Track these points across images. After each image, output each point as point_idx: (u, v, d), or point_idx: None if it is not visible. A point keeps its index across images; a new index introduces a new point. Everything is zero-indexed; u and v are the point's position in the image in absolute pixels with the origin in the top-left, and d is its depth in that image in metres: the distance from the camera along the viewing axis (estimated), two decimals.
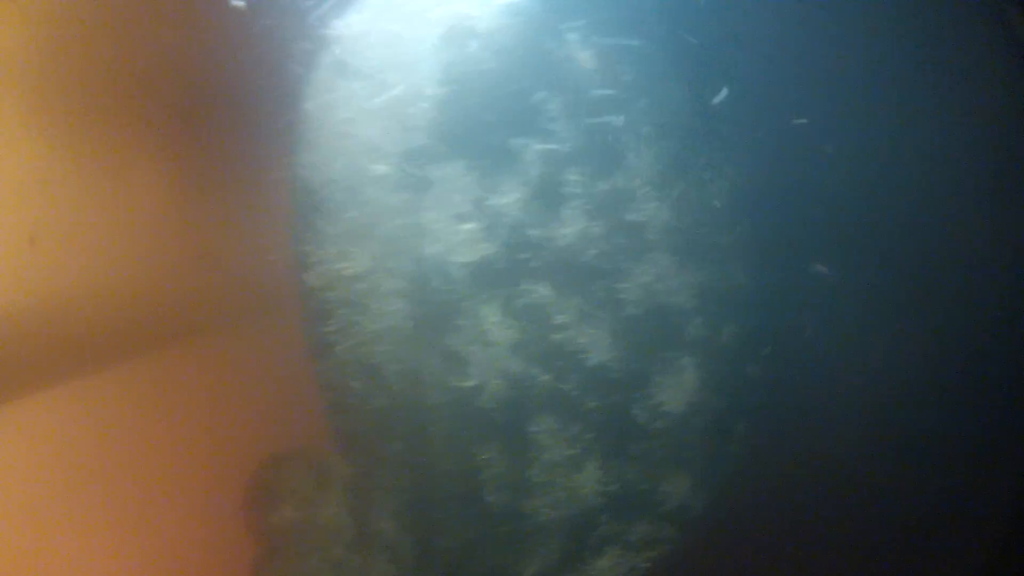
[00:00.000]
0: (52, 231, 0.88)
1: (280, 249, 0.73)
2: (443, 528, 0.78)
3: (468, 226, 0.69)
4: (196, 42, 0.77)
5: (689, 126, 0.74)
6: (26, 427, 0.88)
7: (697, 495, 0.87)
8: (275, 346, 0.90)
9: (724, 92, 0.75)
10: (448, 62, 0.67)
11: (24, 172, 0.87)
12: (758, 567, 0.93)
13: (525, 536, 0.79)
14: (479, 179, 0.68)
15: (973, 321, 0.77)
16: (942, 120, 0.74)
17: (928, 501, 0.81)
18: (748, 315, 0.83)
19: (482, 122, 0.67)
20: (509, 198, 0.69)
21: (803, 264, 0.82)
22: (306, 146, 0.68)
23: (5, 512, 0.86)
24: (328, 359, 0.73)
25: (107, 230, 0.89)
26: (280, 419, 0.91)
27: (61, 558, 0.90)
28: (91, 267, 0.90)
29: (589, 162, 0.71)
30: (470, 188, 0.68)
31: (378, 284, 0.69)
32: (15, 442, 0.88)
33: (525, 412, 0.74)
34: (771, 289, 0.83)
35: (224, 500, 0.89)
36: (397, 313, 0.70)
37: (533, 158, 0.69)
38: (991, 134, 0.73)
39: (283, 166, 0.68)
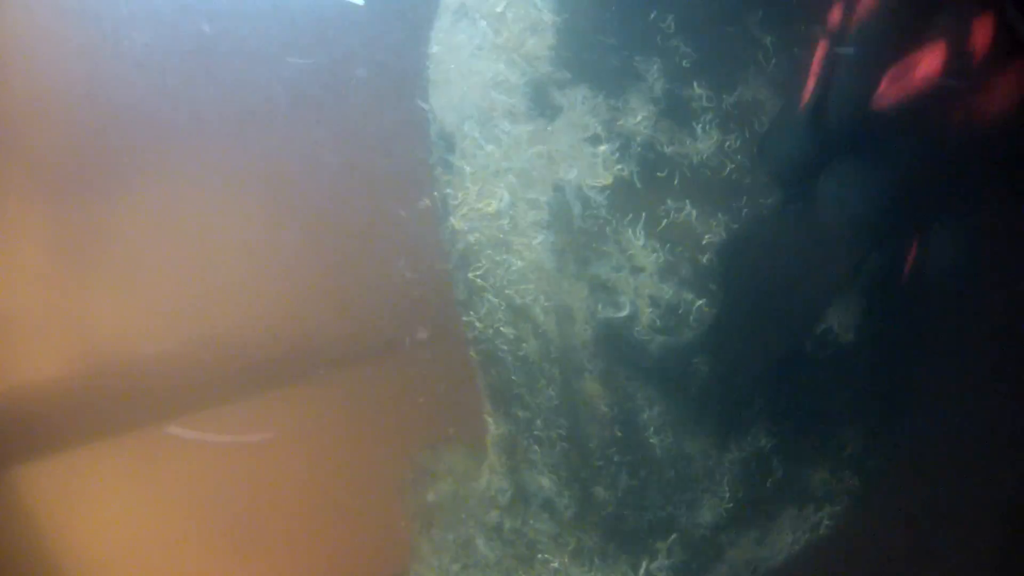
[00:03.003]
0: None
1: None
2: (603, 477, 0.74)
3: (602, 148, 0.69)
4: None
5: (810, 32, 0.73)
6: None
7: (880, 442, 0.80)
8: (433, 345, 0.92)
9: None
10: None
11: None
12: (948, 526, 0.84)
13: (692, 482, 0.74)
14: (606, 101, 0.69)
15: None
16: None
17: None
18: (911, 235, 0.78)
19: (602, 45, 0.68)
20: (638, 117, 0.69)
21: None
22: (436, 88, 0.70)
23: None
24: (477, 307, 0.73)
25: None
26: (439, 407, 0.92)
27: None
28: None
29: (714, 75, 0.70)
30: (599, 111, 0.69)
31: (520, 218, 0.70)
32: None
33: (682, 342, 0.71)
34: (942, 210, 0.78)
35: (384, 486, 0.89)
36: (541, 246, 0.70)
37: (657, 75, 0.69)
38: None
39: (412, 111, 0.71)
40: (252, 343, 0.97)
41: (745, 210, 0.70)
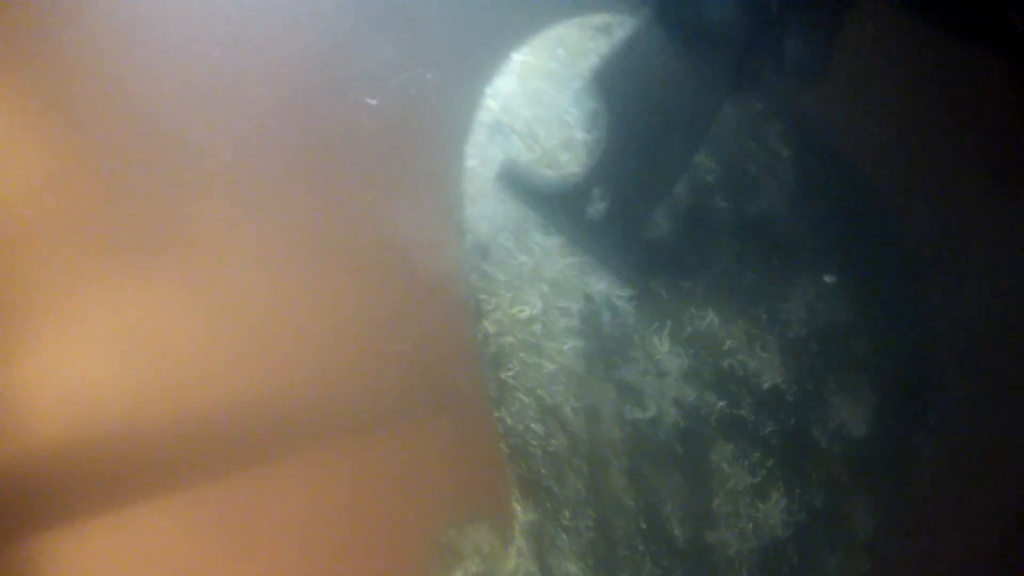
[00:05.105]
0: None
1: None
2: (629, 566, 0.78)
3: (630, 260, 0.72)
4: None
5: (824, 145, 0.77)
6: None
7: (891, 525, 0.83)
8: (456, 423, 0.95)
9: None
10: (592, 111, 0.72)
11: None
12: None
13: (713, 571, 0.78)
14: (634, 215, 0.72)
15: None
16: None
17: None
18: (917, 328, 0.81)
19: (631, 161, 0.72)
20: (665, 230, 0.73)
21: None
22: (471, 200, 0.74)
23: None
24: (508, 404, 0.77)
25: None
26: (464, 487, 0.94)
27: None
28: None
29: (735, 189, 0.74)
30: (628, 223, 0.72)
31: (552, 324, 0.73)
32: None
33: (704, 440, 0.75)
34: (937, 299, 0.82)
35: (409, 563, 0.92)
36: (571, 351, 0.74)
37: (682, 190, 0.73)
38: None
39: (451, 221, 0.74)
40: (271, 409, 0.99)
41: (765, 316, 0.74)
